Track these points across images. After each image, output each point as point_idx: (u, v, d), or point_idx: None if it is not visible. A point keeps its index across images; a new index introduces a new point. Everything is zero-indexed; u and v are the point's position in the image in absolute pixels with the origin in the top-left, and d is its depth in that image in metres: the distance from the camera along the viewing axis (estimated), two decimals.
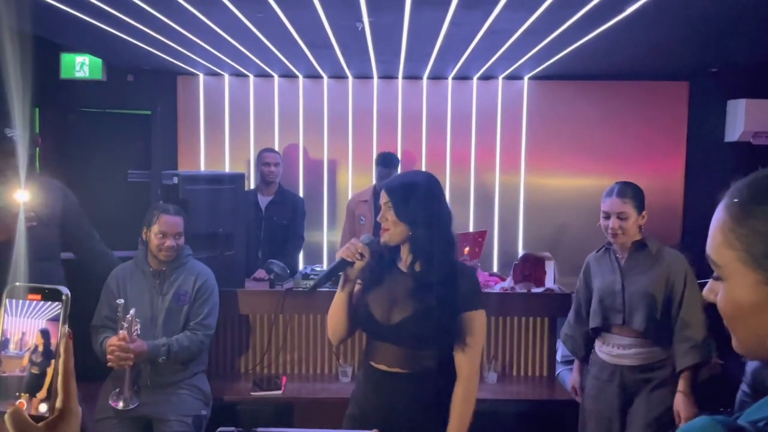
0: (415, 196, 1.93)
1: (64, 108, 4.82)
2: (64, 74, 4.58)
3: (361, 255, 1.93)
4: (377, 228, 4.11)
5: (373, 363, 2.00)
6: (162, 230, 2.82)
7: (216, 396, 3.05)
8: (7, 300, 0.80)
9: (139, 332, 2.61)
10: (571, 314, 2.82)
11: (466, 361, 1.93)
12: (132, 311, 2.57)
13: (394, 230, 1.94)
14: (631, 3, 2.67)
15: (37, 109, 4.64)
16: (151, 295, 2.86)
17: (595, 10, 2.76)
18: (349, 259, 1.94)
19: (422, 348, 1.94)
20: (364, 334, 2.09)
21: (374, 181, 4.45)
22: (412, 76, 4.88)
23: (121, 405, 2.62)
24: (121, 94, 4.83)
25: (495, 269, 4.81)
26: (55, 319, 0.79)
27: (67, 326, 0.79)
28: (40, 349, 0.78)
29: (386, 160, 4.22)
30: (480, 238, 3.63)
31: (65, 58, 4.55)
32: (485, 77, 4.87)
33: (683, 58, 4.14)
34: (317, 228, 4.98)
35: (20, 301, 0.79)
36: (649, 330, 2.48)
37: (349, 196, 4.87)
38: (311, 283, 3.22)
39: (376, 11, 2.83)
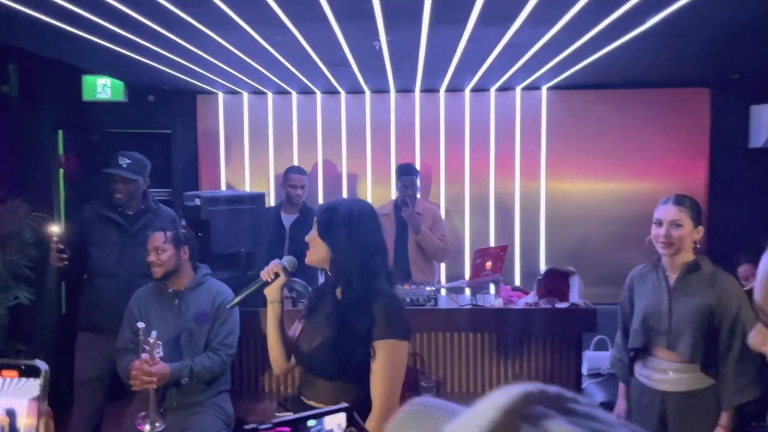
0: (338, 217, 1.93)
1: (87, 129, 4.89)
2: (86, 96, 4.65)
3: (276, 275, 1.97)
4: (399, 241, 4.17)
5: (302, 398, 1.99)
6: (148, 247, 2.86)
7: (240, 417, 3.05)
8: None
9: (161, 354, 2.62)
10: (618, 335, 2.65)
11: (373, 392, 1.84)
12: (153, 334, 2.59)
13: (316, 249, 1.95)
14: (652, 15, 2.64)
15: (60, 131, 4.72)
16: (172, 316, 2.87)
17: (616, 23, 2.73)
18: (263, 279, 1.98)
19: (342, 379, 1.88)
20: None
21: (394, 194, 4.45)
22: (430, 89, 4.88)
23: (147, 429, 2.63)
24: (142, 114, 4.89)
25: (517, 282, 4.77)
26: (33, 397, 0.74)
27: (46, 403, 0.75)
28: (6, 430, 0.74)
29: (406, 169, 4.27)
30: (502, 252, 3.60)
31: (87, 80, 4.62)
32: (503, 88, 4.85)
33: (704, 65, 4.08)
34: None
35: None
36: (695, 356, 2.34)
37: None
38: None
39: (394, 30, 2.83)
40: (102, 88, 4.63)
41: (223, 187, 5.06)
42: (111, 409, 3.35)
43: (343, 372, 1.87)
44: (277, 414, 3.16)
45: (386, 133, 5.00)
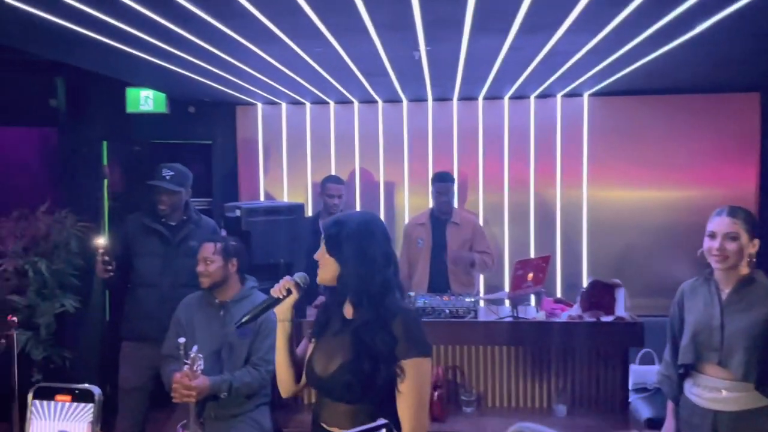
0: (345, 230, 1.82)
1: (130, 140, 4.99)
2: (129, 108, 4.75)
3: (288, 291, 1.87)
4: (436, 251, 4.12)
5: (322, 424, 1.88)
6: (198, 257, 2.89)
7: (278, 428, 3.05)
8: (35, 402, 0.75)
9: (202, 367, 2.63)
10: (666, 351, 2.56)
11: (402, 413, 1.75)
12: (194, 348, 2.60)
13: (325, 267, 1.84)
14: (702, 20, 2.55)
15: (104, 143, 4.83)
16: (216, 327, 2.89)
17: (664, 29, 2.65)
18: (274, 296, 1.88)
19: (363, 402, 1.79)
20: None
21: (431, 204, 4.42)
22: (468, 97, 4.83)
23: None
24: (183, 125, 4.98)
25: (558, 294, 4.67)
26: (88, 422, 0.74)
27: (99, 428, 0.75)
28: None
29: (441, 176, 4.25)
30: (544, 263, 3.52)
31: (130, 93, 4.71)
32: (543, 95, 4.77)
33: (755, 69, 3.93)
34: None
35: (49, 403, 0.75)
36: (749, 374, 2.24)
37: (406, 219, 4.85)
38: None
39: (434, 41, 2.81)
40: (144, 100, 4.72)
41: (262, 197, 5.10)
42: (155, 416, 3.39)
43: (365, 396, 1.78)
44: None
45: (424, 141, 4.97)
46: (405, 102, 4.95)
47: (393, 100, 4.88)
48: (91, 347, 4.46)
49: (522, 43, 2.86)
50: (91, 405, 0.77)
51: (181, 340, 2.61)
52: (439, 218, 4.23)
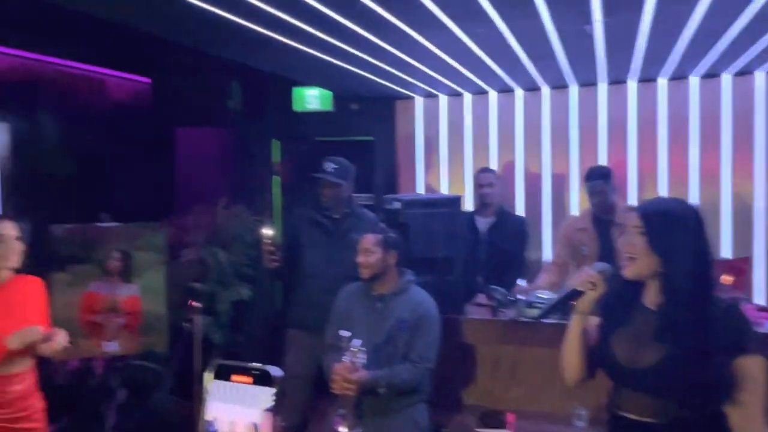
0: (676, 226, 1.67)
1: (298, 138, 5.21)
2: (295, 107, 4.96)
3: (593, 284, 1.74)
4: (605, 258, 3.65)
5: (620, 412, 1.77)
6: (358, 248, 2.85)
7: (436, 428, 2.94)
8: (213, 381, 0.72)
9: (364, 361, 2.60)
10: None
11: (740, 420, 1.63)
12: (358, 342, 2.57)
13: (642, 261, 1.69)
14: None
15: (275, 141, 5.09)
16: (374, 320, 2.86)
17: None
18: (579, 289, 1.75)
19: (678, 397, 1.67)
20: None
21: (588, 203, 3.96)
22: (647, 79, 4.37)
23: (343, 430, 2.63)
24: (345, 122, 5.09)
25: (761, 301, 4.04)
26: (267, 409, 0.68)
27: (280, 417, 0.68)
28: None
29: (588, 173, 3.66)
30: (744, 265, 3.03)
31: (296, 92, 4.92)
32: (740, 73, 4.16)
33: None
34: (538, 249, 4.68)
35: (228, 384, 0.71)
36: None
37: (576, 214, 4.50)
38: (536, 311, 2.97)
39: (611, 11, 2.52)
40: (310, 98, 4.90)
41: (422, 191, 5.06)
42: (318, 403, 3.44)
43: (685, 391, 1.68)
44: (477, 430, 2.98)
45: (594, 131, 4.59)
46: (573, 87, 4.61)
47: (559, 86, 4.57)
48: (261, 334, 4.72)
49: (719, 7, 2.46)
50: (271, 389, 0.71)
51: (346, 333, 2.60)
52: (602, 219, 3.74)
